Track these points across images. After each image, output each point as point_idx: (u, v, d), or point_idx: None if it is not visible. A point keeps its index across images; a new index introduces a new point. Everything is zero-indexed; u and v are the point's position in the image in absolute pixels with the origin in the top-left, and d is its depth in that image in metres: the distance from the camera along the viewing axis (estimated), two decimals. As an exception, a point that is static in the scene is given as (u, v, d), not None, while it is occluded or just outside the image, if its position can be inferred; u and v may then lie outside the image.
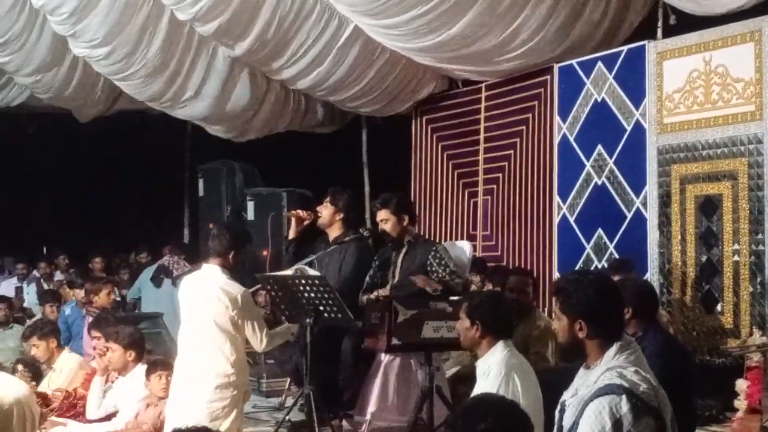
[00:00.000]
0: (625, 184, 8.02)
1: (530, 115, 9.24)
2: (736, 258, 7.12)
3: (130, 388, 6.36)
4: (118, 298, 9.04)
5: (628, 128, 8.00)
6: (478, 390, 4.47)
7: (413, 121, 10.84)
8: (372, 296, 6.15)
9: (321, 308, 5.75)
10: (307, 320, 5.76)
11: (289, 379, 7.19)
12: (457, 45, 8.41)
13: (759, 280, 6.96)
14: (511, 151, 9.49)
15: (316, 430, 5.56)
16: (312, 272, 6.12)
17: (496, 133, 9.70)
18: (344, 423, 6.11)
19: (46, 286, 10.99)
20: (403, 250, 6.36)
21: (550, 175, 8.92)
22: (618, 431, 3.17)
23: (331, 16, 8.72)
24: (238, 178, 11.77)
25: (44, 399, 6.37)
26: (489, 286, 7.53)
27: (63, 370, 6.97)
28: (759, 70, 6.97)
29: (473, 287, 7.75)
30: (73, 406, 6.54)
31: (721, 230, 7.25)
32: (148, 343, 7.66)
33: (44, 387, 6.71)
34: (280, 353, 6.92)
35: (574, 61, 8.58)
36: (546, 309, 8.34)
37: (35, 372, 6.83)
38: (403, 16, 7.83)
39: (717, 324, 7.28)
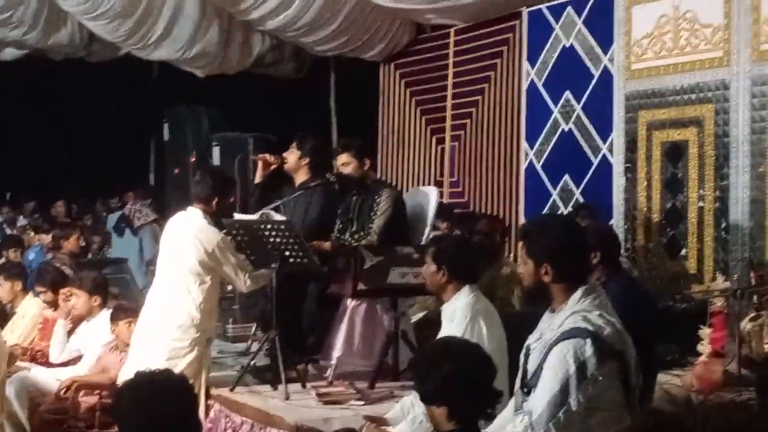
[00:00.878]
0: (592, 130, 8.02)
1: (498, 61, 9.19)
2: (700, 204, 7.15)
3: (94, 333, 6.35)
4: (83, 244, 8.96)
5: (596, 74, 7.98)
6: (443, 334, 4.49)
7: (381, 67, 10.76)
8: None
9: (287, 253, 5.71)
10: (273, 265, 5.73)
11: (255, 325, 7.18)
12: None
13: (723, 225, 7.00)
14: (479, 97, 9.45)
15: (282, 374, 5.56)
16: (278, 217, 6.08)
17: (464, 78, 9.65)
18: (310, 367, 6.12)
19: (9, 232, 10.88)
20: (362, 195, 6.34)
21: (517, 121, 8.90)
22: (582, 374, 3.20)
23: (300, -42, 8.60)
24: (204, 122, 11.66)
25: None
26: (457, 233, 7.54)
27: (26, 315, 6.92)
28: (728, 16, 6.95)
29: (440, 234, 7.76)
30: (32, 359, 6.52)
31: (687, 176, 7.26)
32: (114, 287, 7.65)
33: (7, 331, 6.67)
34: (246, 299, 6.90)
35: (543, 6, 8.53)
36: (512, 254, 8.38)
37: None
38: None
39: (681, 269, 7.32)
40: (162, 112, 12.40)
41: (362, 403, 5.36)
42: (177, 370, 4.54)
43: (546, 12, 8.51)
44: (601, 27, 7.93)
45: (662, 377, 5.63)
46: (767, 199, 6.72)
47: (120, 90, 12.46)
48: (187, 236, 5.57)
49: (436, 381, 3.24)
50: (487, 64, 9.35)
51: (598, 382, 3.22)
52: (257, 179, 6.70)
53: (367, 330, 6.14)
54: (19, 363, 6.20)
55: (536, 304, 3.73)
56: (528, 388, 3.33)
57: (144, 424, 2.97)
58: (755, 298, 5.82)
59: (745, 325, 5.42)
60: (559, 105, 8.34)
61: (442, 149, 9.96)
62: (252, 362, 5.83)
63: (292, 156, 6.62)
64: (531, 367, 3.37)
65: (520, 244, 3.62)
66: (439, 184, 9.57)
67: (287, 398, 5.46)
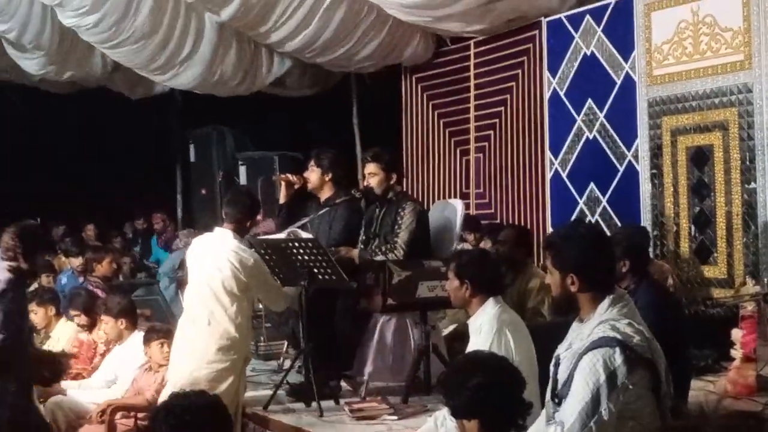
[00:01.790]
0: (616, 138, 8.01)
1: (520, 71, 9.20)
2: (728, 208, 7.13)
3: (127, 355, 6.41)
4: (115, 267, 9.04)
5: (618, 81, 7.98)
6: (471, 347, 4.51)
7: (403, 81, 10.80)
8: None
9: (315, 270, 5.76)
10: (302, 283, 5.78)
11: (286, 342, 7.23)
12: (443, 1, 8.34)
13: (752, 229, 6.98)
14: (502, 108, 9.47)
15: (315, 391, 5.59)
16: (305, 235, 6.12)
17: (486, 90, 9.66)
18: (342, 383, 6.14)
19: (40, 257, 10.97)
20: (385, 208, 6.36)
21: (541, 130, 8.90)
22: (612, 383, 3.20)
23: (316, -21, 8.66)
24: (229, 142, 11.77)
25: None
26: (487, 244, 7.55)
27: (60, 339, 7.01)
28: (747, 19, 6.94)
29: (467, 246, 7.77)
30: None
31: (713, 181, 7.25)
32: (146, 308, 7.72)
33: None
34: (277, 316, 6.95)
35: (562, 15, 8.54)
36: (540, 265, 8.38)
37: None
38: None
39: (711, 274, 7.31)
40: (187, 133, 12.52)
41: (395, 418, 5.38)
42: (217, 392, 4.60)
43: (565, 21, 8.52)
44: (621, 34, 7.93)
45: (696, 383, 5.62)
46: (795, 201, 6.70)
47: (145, 112, 12.56)
48: (221, 257, 5.59)
49: (466, 395, 3.26)
50: (509, 75, 9.36)
51: (629, 390, 3.22)
52: (282, 199, 6.75)
53: (397, 344, 6.16)
54: (57, 386, 6.26)
55: (565, 313, 3.74)
56: (559, 398, 3.34)
57: (180, 446, 3.01)
58: (786, 301, 5.81)
59: (777, 328, 5.40)
60: (582, 113, 8.34)
61: (467, 161, 9.98)
62: (284, 380, 5.87)
63: (313, 174, 6.65)
64: (561, 377, 3.37)
65: (546, 253, 3.63)
66: (464, 196, 9.58)
67: (321, 415, 5.50)
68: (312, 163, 6.71)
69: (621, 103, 7.96)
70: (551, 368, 3.50)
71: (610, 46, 8.05)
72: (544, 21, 8.73)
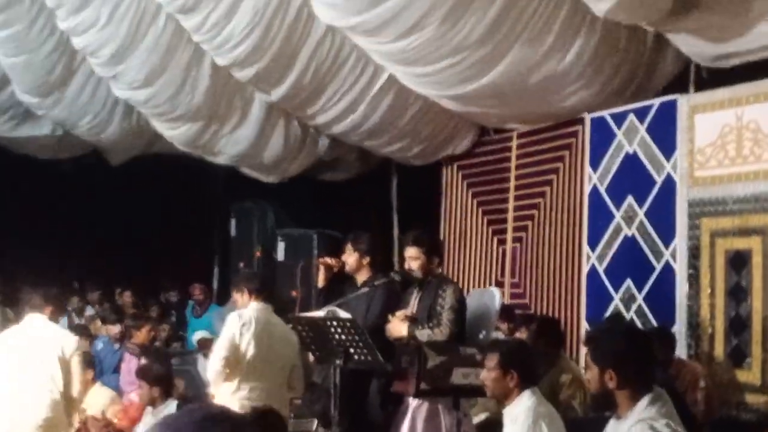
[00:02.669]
0: (655, 236, 8.04)
1: (561, 165, 9.30)
2: (764, 313, 7.11)
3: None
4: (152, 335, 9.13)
5: (659, 181, 8.04)
6: (505, 437, 4.52)
7: (444, 167, 10.92)
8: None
9: (351, 350, 5.81)
10: (337, 362, 5.82)
11: (316, 421, 7.23)
12: (490, 94, 8.50)
13: (788, 335, 6.95)
14: (541, 200, 9.55)
15: (344, 471, 5.60)
16: (343, 314, 6.19)
17: (526, 181, 9.76)
18: (372, 466, 6.14)
19: (77, 321, 11.11)
20: (424, 290, 6.40)
21: (579, 224, 8.96)
22: (648, 482, 3.22)
23: (367, 64, 8.82)
24: (270, 218, 11.91)
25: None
26: (523, 335, 7.55)
27: (94, 405, 7.05)
28: (790, 127, 7.02)
29: (500, 335, 7.79)
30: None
31: (750, 285, 7.24)
32: (179, 379, 7.77)
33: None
34: (309, 393, 6.98)
35: (605, 113, 8.65)
36: (574, 358, 8.36)
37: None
38: (437, 65, 7.92)
39: (744, 379, 7.26)
40: (229, 207, 12.69)
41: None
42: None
43: (608, 118, 8.62)
44: (664, 134, 8.02)
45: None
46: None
47: (188, 185, 12.77)
48: (285, 334, 6.22)
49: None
50: (549, 168, 9.46)
51: (665, 490, 3.23)
52: (320, 283, 6.84)
53: (428, 430, 6.15)
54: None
55: (602, 410, 3.77)
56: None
57: None
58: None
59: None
60: (622, 210, 8.39)
61: (504, 250, 10.03)
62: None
63: (351, 258, 6.74)
64: (597, 473, 3.40)
65: (586, 349, 3.67)
66: (499, 285, 9.60)
67: (349, 495, 5.50)
68: (349, 246, 6.81)
69: (661, 202, 8.01)
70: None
71: (653, 145, 8.13)
72: (588, 117, 8.85)
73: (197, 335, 10.62)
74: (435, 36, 7.37)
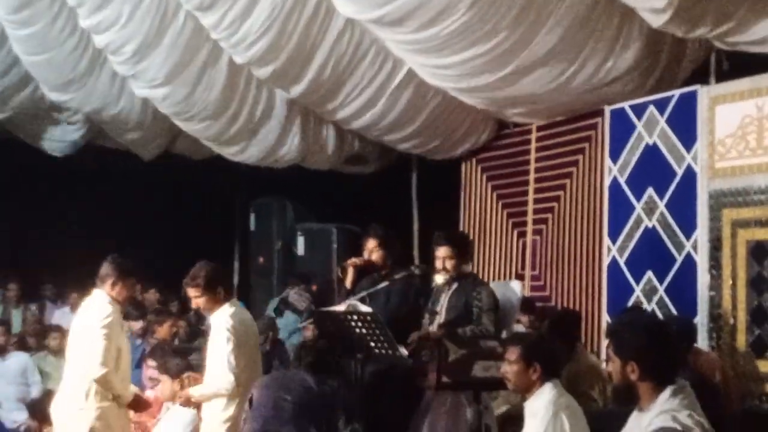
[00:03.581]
0: (676, 228, 8.02)
1: (581, 157, 9.29)
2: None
3: (176, 416, 6.50)
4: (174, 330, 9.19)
5: (679, 172, 8.01)
6: (526, 430, 4.53)
7: (463, 161, 10.92)
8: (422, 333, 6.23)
9: (372, 344, 5.83)
10: (358, 355, 5.85)
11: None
12: (509, 85, 8.48)
13: (811, 326, 6.93)
14: (561, 192, 9.54)
15: (367, 465, 5.62)
16: (364, 308, 6.21)
17: (546, 174, 9.75)
18: (394, 459, 6.16)
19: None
20: (453, 288, 6.42)
21: (599, 216, 8.94)
22: (671, 473, 3.22)
23: (386, 59, 8.82)
24: (289, 213, 11.95)
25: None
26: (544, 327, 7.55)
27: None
28: (812, 116, 6.99)
29: (521, 328, 7.79)
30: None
31: (773, 276, 7.23)
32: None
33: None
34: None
35: (625, 104, 8.62)
36: (594, 350, 8.36)
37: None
38: (461, 55, 7.88)
39: (766, 369, 7.23)
40: (248, 202, 12.74)
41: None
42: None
43: (628, 110, 8.60)
44: (684, 126, 7.99)
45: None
46: None
47: (208, 181, 12.81)
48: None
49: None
50: (569, 161, 9.45)
51: (688, 481, 3.23)
52: (349, 284, 6.86)
53: (450, 423, 6.15)
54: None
55: (624, 401, 3.77)
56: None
57: None
58: None
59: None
60: (642, 202, 8.37)
61: (524, 243, 10.03)
62: (336, 452, 5.90)
63: (375, 254, 6.80)
64: (619, 465, 3.40)
65: (607, 341, 3.67)
66: (520, 278, 9.61)
67: (371, 489, 5.52)
68: (371, 240, 6.84)
69: (681, 193, 7.98)
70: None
71: (673, 136, 8.10)
72: (607, 109, 8.82)
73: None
74: (461, 24, 7.32)
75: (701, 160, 7.80)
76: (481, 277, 9.95)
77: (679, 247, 7.98)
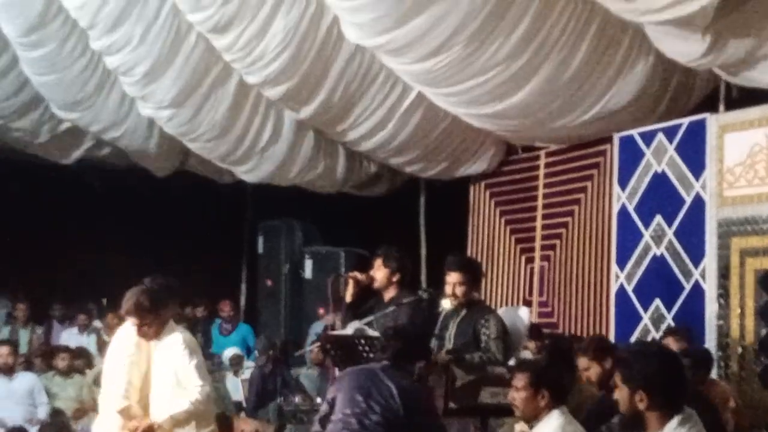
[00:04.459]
0: (684, 256, 8.01)
1: (589, 184, 9.29)
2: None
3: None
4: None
5: (688, 200, 8.01)
6: (534, 457, 4.51)
7: (471, 186, 10.93)
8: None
9: (380, 369, 5.80)
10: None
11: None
12: (518, 113, 8.51)
13: (819, 356, 6.90)
14: (569, 218, 9.54)
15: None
16: (371, 332, 6.20)
17: (554, 200, 9.76)
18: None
19: (107, 338, 11.17)
20: (462, 314, 6.40)
21: (608, 243, 8.93)
22: (677, 505, 3.21)
23: (396, 82, 8.87)
24: (297, 236, 11.96)
25: None
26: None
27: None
28: (821, 146, 6.98)
29: (528, 353, 7.77)
30: None
31: (781, 305, 7.20)
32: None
33: None
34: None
35: (634, 132, 8.63)
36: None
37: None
38: (464, 84, 7.94)
39: (775, 400, 7.22)
40: (256, 224, 12.75)
41: None
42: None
43: (637, 137, 8.61)
44: (693, 153, 8.00)
45: None
46: None
47: (216, 202, 12.83)
48: None
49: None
50: (578, 187, 9.45)
51: None
52: (348, 298, 6.82)
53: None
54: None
55: (632, 430, 3.76)
56: None
57: None
58: None
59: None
60: (650, 229, 8.36)
61: (532, 269, 10.02)
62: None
63: (379, 273, 6.72)
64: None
65: (616, 370, 3.67)
66: (527, 304, 9.58)
67: None
68: (379, 262, 6.81)
69: (690, 221, 7.98)
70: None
71: (682, 164, 8.11)
72: (616, 136, 8.84)
73: (229, 352, 10.68)
74: (461, 56, 7.39)
75: (710, 188, 7.80)
76: (488, 302, 9.95)
77: (688, 275, 7.96)
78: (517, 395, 4.70)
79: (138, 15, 8.74)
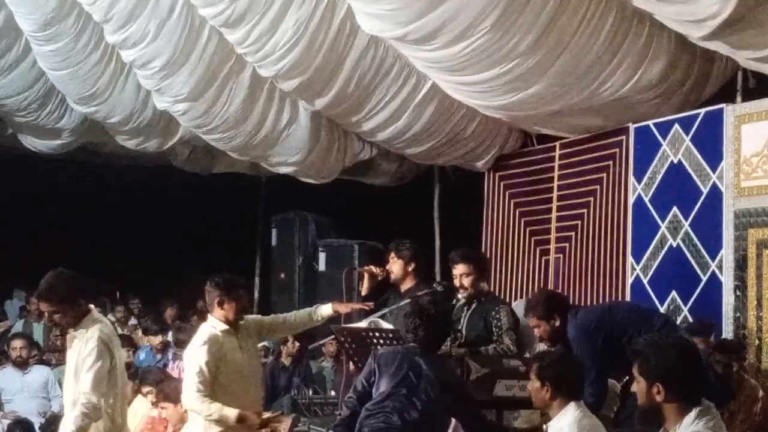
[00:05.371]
0: (701, 247, 7.95)
1: (605, 175, 9.23)
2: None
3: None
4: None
5: (705, 191, 7.95)
6: (549, 450, 4.49)
7: (486, 177, 10.88)
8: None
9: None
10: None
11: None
12: (534, 104, 8.45)
13: (837, 348, 6.84)
14: (585, 210, 9.47)
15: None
16: (386, 325, 6.18)
17: (569, 191, 9.69)
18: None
19: (120, 331, 11.19)
20: (473, 307, 6.39)
21: (623, 235, 8.88)
22: (697, 497, 3.17)
23: (410, 74, 8.83)
24: (311, 228, 11.94)
25: None
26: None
27: (137, 414, 7.10)
28: (839, 136, 6.92)
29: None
30: None
31: (799, 296, 7.15)
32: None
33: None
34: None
35: (650, 122, 8.57)
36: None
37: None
38: (483, 74, 7.87)
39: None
40: (270, 217, 12.74)
41: None
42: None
43: (653, 128, 8.55)
44: (710, 144, 7.93)
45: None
46: None
47: (229, 195, 12.83)
48: None
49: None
50: (593, 178, 9.39)
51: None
52: (364, 291, 6.83)
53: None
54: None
55: (650, 423, 3.72)
56: None
57: None
58: None
59: None
60: (667, 220, 8.31)
61: (546, 261, 9.97)
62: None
63: (395, 265, 6.75)
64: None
65: (633, 362, 3.63)
66: (542, 296, 9.53)
67: None
68: (393, 254, 6.80)
69: (707, 212, 7.92)
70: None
71: (698, 155, 8.04)
72: (632, 127, 8.78)
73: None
74: (484, 44, 7.32)
75: (727, 179, 7.74)
76: (502, 294, 9.93)
77: (704, 266, 7.91)
78: (530, 385, 4.79)
79: (152, 9, 8.74)
